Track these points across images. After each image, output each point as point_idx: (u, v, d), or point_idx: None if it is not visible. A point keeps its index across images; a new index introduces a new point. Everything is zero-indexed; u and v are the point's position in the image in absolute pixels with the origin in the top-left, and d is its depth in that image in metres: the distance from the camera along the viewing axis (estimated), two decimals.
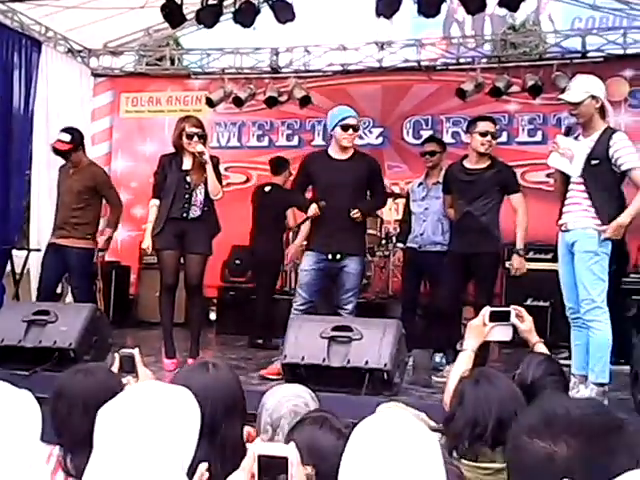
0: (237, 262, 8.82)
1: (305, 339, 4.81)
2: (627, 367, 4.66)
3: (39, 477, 1.75)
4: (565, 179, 4.76)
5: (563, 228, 4.74)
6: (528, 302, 7.18)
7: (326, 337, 4.74)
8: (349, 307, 5.49)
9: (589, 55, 8.86)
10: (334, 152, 5.68)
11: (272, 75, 9.83)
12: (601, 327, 4.50)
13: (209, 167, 5.69)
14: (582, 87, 4.68)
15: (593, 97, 4.60)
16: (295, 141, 9.91)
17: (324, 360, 4.66)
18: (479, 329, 3.22)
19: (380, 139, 9.60)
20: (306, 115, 9.69)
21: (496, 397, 2.39)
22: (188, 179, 5.74)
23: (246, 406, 2.41)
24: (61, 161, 6.77)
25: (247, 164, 9.94)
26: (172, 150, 5.97)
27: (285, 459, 1.71)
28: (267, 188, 7.63)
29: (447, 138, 8.60)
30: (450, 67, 9.56)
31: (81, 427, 2.23)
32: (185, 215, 5.75)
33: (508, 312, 3.23)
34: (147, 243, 5.83)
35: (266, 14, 7.55)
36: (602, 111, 4.66)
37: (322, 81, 9.77)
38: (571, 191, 4.70)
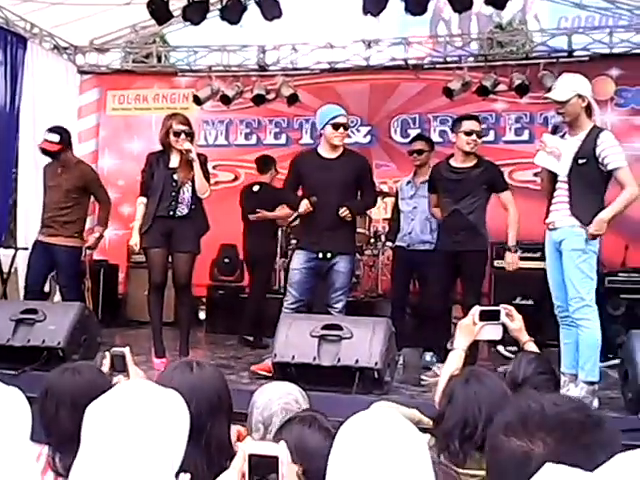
0: (226, 261, 8.82)
1: (295, 338, 4.80)
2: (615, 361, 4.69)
3: (29, 476, 1.73)
4: (552, 178, 4.78)
5: (550, 226, 4.76)
6: (517, 301, 7.19)
7: (316, 336, 4.74)
8: (339, 306, 5.49)
9: (575, 54, 8.89)
10: (324, 151, 5.67)
11: (259, 73, 9.82)
12: (590, 325, 4.52)
13: (196, 165, 5.67)
14: (568, 86, 4.70)
15: (579, 96, 4.62)
16: (283, 139, 9.90)
17: (314, 359, 4.66)
18: (469, 328, 3.23)
19: (368, 138, 9.62)
20: (294, 113, 9.68)
21: (486, 397, 2.39)
22: (175, 177, 5.71)
23: (232, 405, 2.40)
24: (48, 159, 6.72)
25: (235, 162, 9.92)
26: (159, 148, 5.95)
27: (276, 458, 1.71)
28: (255, 187, 7.63)
29: (435, 137, 8.60)
30: (437, 66, 9.58)
31: (69, 426, 2.23)
32: (172, 213, 5.72)
33: (498, 311, 3.25)
34: (135, 240, 5.81)
35: (253, 11, 7.54)
36: (588, 110, 4.67)
37: (310, 79, 9.77)
38: (558, 190, 4.72)
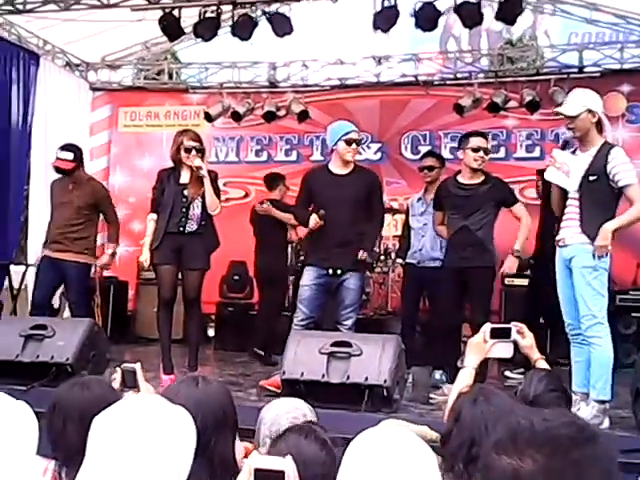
0: (236, 278, 8.80)
1: (304, 355, 4.78)
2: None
3: None
4: (563, 194, 4.74)
5: (561, 243, 4.72)
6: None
7: (325, 353, 4.71)
8: (348, 323, 5.46)
9: (586, 70, 8.90)
10: (335, 167, 5.67)
11: (270, 89, 9.87)
12: (602, 343, 4.46)
13: (207, 181, 5.68)
14: (579, 101, 4.68)
15: (590, 111, 4.58)
16: (293, 156, 9.92)
17: (323, 376, 4.63)
18: (480, 346, 3.19)
19: (378, 154, 9.62)
20: (304, 130, 9.71)
21: (494, 417, 2.35)
22: (185, 193, 5.72)
23: (237, 421, 2.37)
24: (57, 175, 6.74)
25: (245, 179, 9.94)
26: (170, 165, 5.96)
27: (282, 473, 1.69)
28: (265, 205, 7.63)
29: (445, 153, 8.59)
30: (448, 82, 9.61)
31: (76, 441, 2.21)
32: (182, 229, 5.72)
33: (509, 329, 3.21)
34: (145, 256, 5.81)
35: (264, 28, 7.57)
36: (599, 126, 4.63)
37: (320, 96, 9.80)
38: (569, 206, 4.68)
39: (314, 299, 5.53)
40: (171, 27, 7.61)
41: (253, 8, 7.67)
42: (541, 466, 1.19)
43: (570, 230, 4.64)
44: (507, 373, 6.56)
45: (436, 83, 9.66)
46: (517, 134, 9.18)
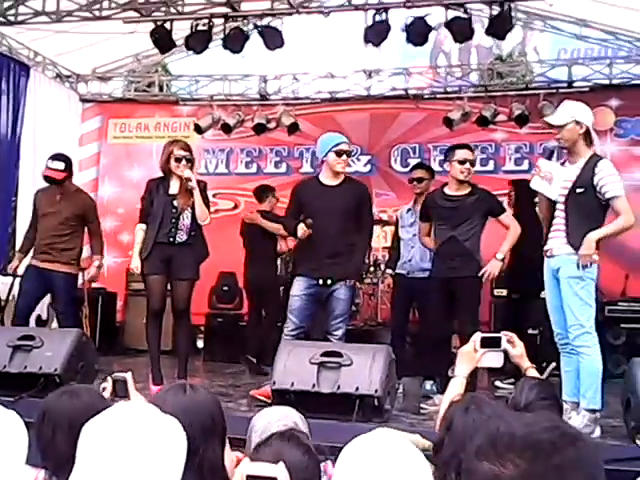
0: (225, 288, 8.79)
1: (294, 365, 4.76)
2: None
3: None
4: (550, 205, 4.77)
5: (548, 254, 4.74)
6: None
7: (315, 363, 4.70)
8: (339, 333, 5.45)
9: (575, 85, 8.96)
10: (325, 178, 5.68)
11: (260, 102, 9.90)
12: (591, 352, 4.48)
13: (196, 193, 5.67)
14: (567, 111, 4.70)
15: (577, 122, 4.59)
16: (283, 168, 9.94)
17: (314, 386, 4.61)
18: (470, 355, 3.19)
19: (368, 167, 9.66)
20: (294, 142, 9.73)
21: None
22: (175, 203, 5.71)
23: (226, 428, 2.36)
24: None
25: (235, 190, 9.96)
26: (159, 175, 5.97)
27: (274, 479, 1.69)
28: None
29: (435, 166, 8.58)
30: (438, 96, 9.66)
31: (66, 450, 2.19)
32: (172, 240, 5.71)
33: (499, 338, 3.21)
34: (135, 264, 5.78)
35: (255, 42, 7.59)
36: (588, 138, 4.65)
37: (310, 108, 9.84)
38: (556, 217, 4.70)
39: (304, 309, 5.52)
40: (162, 39, 7.62)
41: (245, 21, 7.68)
42: (522, 471, 1.19)
43: (557, 241, 4.67)
44: (497, 383, 6.57)
45: (426, 97, 9.72)
46: (506, 147, 9.24)
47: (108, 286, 9.45)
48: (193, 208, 5.71)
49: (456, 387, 3.10)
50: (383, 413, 4.57)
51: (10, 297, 7.85)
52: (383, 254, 8.33)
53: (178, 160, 5.73)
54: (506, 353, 3.20)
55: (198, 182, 5.79)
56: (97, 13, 7.54)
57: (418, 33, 7.15)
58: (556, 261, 4.65)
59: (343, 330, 5.49)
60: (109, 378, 3.05)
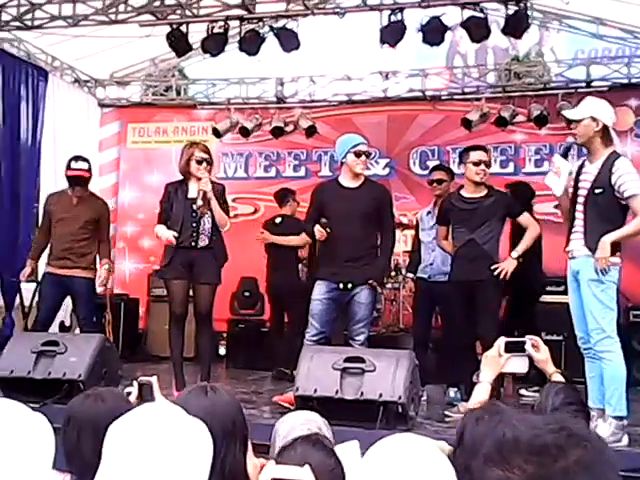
0: (246, 294, 8.75)
1: (317, 371, 4.74)
2: None
3: None
4: (572, 206, 4.72)
5: (569, 255, 4.68)
6: (542, 336, 7.09)
7: (338, 369, 4.68)
8: (361, 338, 5.42)
9: (594, 84, 8.89)
10: (345, 180, 5.66)
11: (278, 105, 9.90)
12: (613, 357, 4.41)
13: (213, 202, 5.69)
14: (585, 107, 4.65)
15: (593, 119, 4.53)
16: (302, 172, 9.94)
17: (337, 392, 4.59)
18: (495, 360, 3.16)
19: (387, 170, 9.63)
20: (312, 145, 9.73)
21: None
22: (195, 207, 5.73)
23: (247, 431, 2.35)
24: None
25: (254, 195, 9.96)
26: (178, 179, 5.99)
27: None
28: (277, 220, 7.65)
29: (454, 168, 8.53)
30: (455, 97, 9.62)
31: (91, 454, 2.20)
32: (194, 244, 5.73)
33: (523, 342, 3.17)
34: (168, 234, 5.69)
35: (271, 44, 7.60)
36: (605, 136, 4.57)
37: (327, 111, 9.84)
38: (576, 219, 4.65)
39: (325, 314, 5.50)
40: (179, 43, 7.63)
41: (260, 24, 7.69)
42: (530, 475, 1.19)
43: (577, 243, 4.62)
44: (522, 391, 6.51)
45: (443, 98, 9.67)
46: (525, 149, 9.18)
47: (130, 292, 9.48)
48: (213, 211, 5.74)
49: (481, 393, 3.08)
50: (407, 420, 4.54)
51: (33, 304, 7.92)
52: (404, 258, 8.27)
53: (199, 162, 5.76)
54: (531, 358, 3.18)
55: (216, 185, 5.84)
56: (113, 17, 7.57)
57: (434, 33, 7.11)
58: (576, 263, 4.61)
59: (365, 335, 5.46)
60: (135, 382, 3.05)
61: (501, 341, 3.16)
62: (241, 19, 7.49)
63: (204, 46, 7.70)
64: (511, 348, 3.15)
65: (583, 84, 8.99)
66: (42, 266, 8.45)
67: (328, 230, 5.41)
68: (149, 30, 7.94)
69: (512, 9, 6.95)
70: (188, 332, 6.06)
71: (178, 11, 7.62)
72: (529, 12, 7.18)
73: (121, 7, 7.59)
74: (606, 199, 4.48)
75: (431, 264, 6.43)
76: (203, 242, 5.76)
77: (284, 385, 6.16)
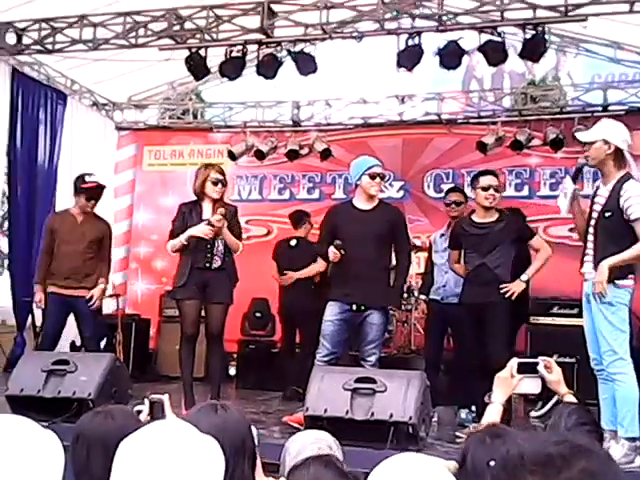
0: (257, 315, 8.75)
1: (328, 391, 4.72)
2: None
3: None
4: (587, 228, 4.70)
5: (584, 277, 4.68)
6: (554, 358, 7.01)
7: (349, 389, 4.66)
8: (372, 359, 5.41)
9: (610, 108, 8.86)
10: (359, 202, 5.68)
11: (293, 128, 9.94)
12: (626, 379, 4.40)
13: (225, 230, 5.75)
14: (598, 129, 4.64)
15: (605, 142, 4.51)
16: (316, 194, 9.94)
17: (347, 412, 4.57)
18: (507, 381, 3.12)
19: (401, 192, 9.62)
20: (327, 168, 9.75)
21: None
22: (211, 219, 5.75)
23: (256, 448, 2.33)
24: None
25: (268, 217, 9.98)
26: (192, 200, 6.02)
27: None
28: (293, 242, 7.63)
29: (468, 192, 8.55)
30: (471, 120, 9.61)
31: (101, 470, 2.18)
32: (208, 265, 5.78)
33: (536, 363, 3.14)
34: (204, 229, 5.70)
35: (287, 68, 7.64)
36: (618, 159, 4.54)
37: (343, 134, 9.86)
38: (588, 242, 4.66)
39: (337, 334, 5.49)
40: (197, 66, 7.68)
41: (278, 48, 7.73)
42: None
43: (589, 265, 4.63)
44: (533, 413, 6.45)
45: (459, 122, 9.67)
46: (541, 172, 9.15)
47: (141, 313, 9.51)
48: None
49: (493, 414, 3.04)
50: (418, 441, 4.50)
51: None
52: (417, 280, 8.24)
53: (215, 184, 5.84)
54: (543, 379, 3.14)
55: (229, 206, 5.91)
56: (133, 41, 7.63)
57: (451, 56, 7.11)
58: (587, 286, 4.62)
59: (377, 356, 5.45)
60: (146, 400, 3.03)
61: (513, 362, 3.13)
62: (259, 43, 7.53)
63: (222, 70, 7.75)
64: (523, 369, 3.12)
65: (599, 108, 8.95)
66: None
67: (342, 252, 5.40)
68: (168, 54, 8.00)
69: (530, 33, 6.95)
70: (199, 352, 6.06)
71: (197, 35, 7.67)
72: (547, 36, 7.18)
73: (141, 31, 7.66)
74: (615, 222, 4.46)
75: (444, 286, 6.41)
76: (217, 263, 5.80)
77: (294, 405, 6.12)
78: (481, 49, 7.00)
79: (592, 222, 4.62)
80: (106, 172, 9.86)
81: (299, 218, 7.80)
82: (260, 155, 9.57)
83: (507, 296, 5.47)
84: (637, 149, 8.22)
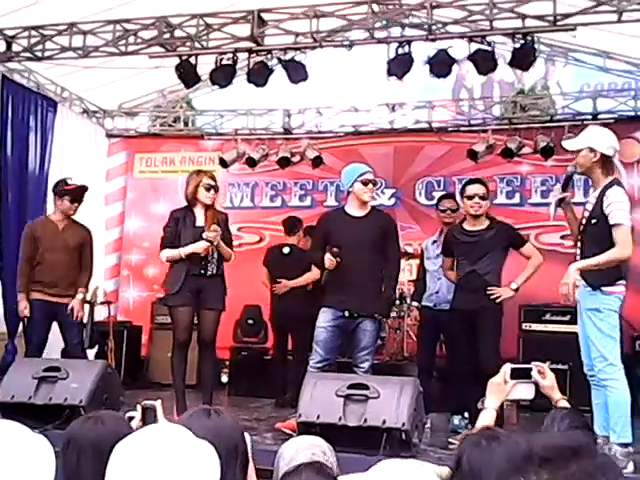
0: (250, 322, 8.73)
1: (320, 397, 4.71)
2: None
3: None
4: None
5: (577, 284, 4.69)
6: (547, 364, 7.04)
7: (342, 395, 4.65)
8: (365, 365, 5.42)
9: (600, 117, 8.91)
10: (352, 209, 5.69)
11: (285, 136, 9.95)
12: (617, 385, 4.42)
13: (221, 244, 5.79)
14: (584, 137, 4.67)
15: (591, 149, 4.55)
16: (308, 201, 9.95)
17: (340, 419, 4.56)
18: (500, 387, 3.13)
19: (392, 200, 9.64)
20: (318, 176, 9.76)
21: (496, 464, 2.25)
22: (204, 236, 5.76)
23: (248, 453, 2.33)
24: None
25: (260, 224, 9.97)
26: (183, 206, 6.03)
27: None
28: (286, 250, 7.57)
29: (459, 199, 8.58)
30: (461, 129, 9.65)
31: (91, 476, 2.17)
32: (203, 272, 5.80)
33: (530, 369, 3.15)
34: (200, 244, 5.75)
35: (278, 76, 7.65)
36: (605, 166, 4.58)
37: (334, 142, 9.88)
38: (578, 249, 4.70)
39: (330, 341, 5.50)
40: (188, 74, 7.67)
41: (269, 56, 7.74)
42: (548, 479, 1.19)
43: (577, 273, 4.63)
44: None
45: (450, 130, 9.70)
46: (532, 180, 9.19)
47: (133, 320, 9.49)
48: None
49: (486, 420, 3.04)
50: (411, 447, 4.50)
51: None
52: (409, 287, 8.25)
53: (207, 189, 5.86)
54: (537, 385, 3.14)
55: (220, 214, 5.97)
56: (123, 48, 7.62)
57: (441, 65, 7.14)
58: (577, 293, 4.62)
59: (370, 363, 5.46)
60: (138, 406, 3.01)
61: (507, 367, 3.14)
62: (250, 51, 7.54)
63: (212, 78, 7.74)
64: (517, 375, 3.13)
65: (589, 116, 9.00)
66: None
67: (338, 260, 5.41)
68: (159, 62, 8.00)
69: (519, 42, 6.98)
70: (190, 359, 6.06)
71: (188, 43, 7.67)
72: (536, 45, 7.22)
73: (131, 39, 7.66)
74: (601, 228, 4.48)
75: (437, 292, 6.43)
76: (212, 270, 5.82)
77: (286, 412, 6.11)
78: (471, 58, 7.03)
79: (581, 228, 4.65)
80: (97, 179, 9.86)
81: (292, 225, 7.78)
82: (251, 162, 9.58)
83: (497, 301, 5.50)
84: (627, 157, 8.38)
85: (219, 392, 7.63)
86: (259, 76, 7.57)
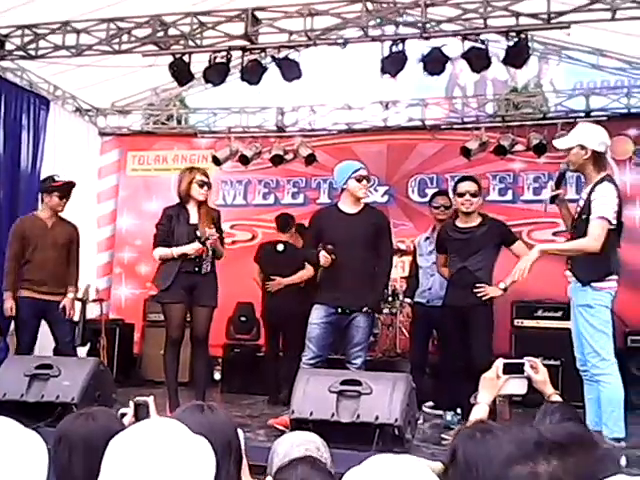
0: (242, 319, 8.72)
1: (313, 393, 4.71)
2: None
3: None
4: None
5: (568, 279, 4.72)
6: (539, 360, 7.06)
7: (335, 391, 4.65)
8: (358, 361, 5.42)
9: (593, 114, 8.93)
10: (345, 206, 5.69)
11: (278, 134, 9.95)
12: (610, 380, 4.44)
13: (217, 245, 5.81)
14: (574, 135, 4.68)
15: (582, 147, 4.55)
16: (301, 199, 9.94)
17: (333, 415, 4.56)
18: (493, 382, 3.12)
19: (385, 197, 9.63)
20: (312, 173, 9.76)
21: (490, 457, 2.26)
22: (198, 233, 5.76)
23: (241, 449, 2.32)
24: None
25: (253, 222, 9.95)
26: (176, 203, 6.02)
27: None
28: (280, 247, 7.54)
29: (452, 196, 8.60)
30: (455, 126, 9.66)
31: (82, 472, 2.16)
32: (197, 269, 5.79)
33: (522, 364, 3.15)
34: (193, 246, 5.74)
35: (272, 74, 7.64)
36: (596, 163, 4.58)
37: (327, 140, 9.88)
38: None
39: (323, 338, 5.50)
40: (181, 72, 7.66)
41: (263, 54, 7.73)
42: (556, 467, 1.20)
43: (570, 269, 4.65)
44: None
45: (443, 127, 9.71)
46: (524, 177, 9.19)
47: (125, 317, 9.47)
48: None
49: (479, 415, 3.04)
50: (403, 443, 4.50)
51: None
52: (401, 284, 8.25)
53: (201, 186, 5.87)
54: (529, 380, 3.14)
55: (212, 211, 5.97)
56: (116, 47, 7.61)
57: (435, 63, 7.14)
58: (569, 289, 4.64)
59: (362, 359, 5.46)
60: (131, 402, 3.00)
61: (499, 362, 3.13)
62: (243, 49, 7.53)
63: (206, 76, 7.73)
64: (509, 370, 3.13)
65: (582, 114, 9.01)
66: None
67: (333, 257, 5.40)
68: (152, 60, 7.98)
69: (512, 40, 6.99)
70: (183, 357, 6.07)
71: (181, 41, 7.66)
72: (529, 43, 7.23)
73: (124, 37, 7.64)
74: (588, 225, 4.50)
75: (429, 289, 6.44)
76: (206, 268, 5.83)
77: (279, 409, 6.12)
78: (464, 56, 7.04)
79: (573, 224, 4.67)
80: (89, 177, 9.84)
81: (285, 222, 7.76)
82: (244, 160, 9.57)
83: (484, 299, 5.49)
84: (619, 154, 8.40)
85: (212, 389, 7.61)
86: (253, 74, 7.56)
